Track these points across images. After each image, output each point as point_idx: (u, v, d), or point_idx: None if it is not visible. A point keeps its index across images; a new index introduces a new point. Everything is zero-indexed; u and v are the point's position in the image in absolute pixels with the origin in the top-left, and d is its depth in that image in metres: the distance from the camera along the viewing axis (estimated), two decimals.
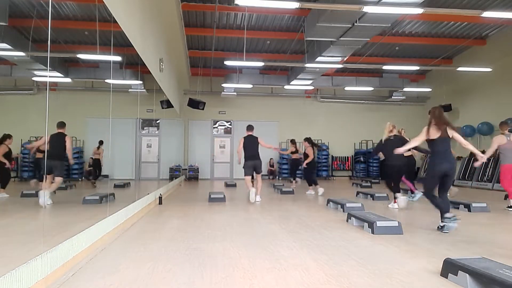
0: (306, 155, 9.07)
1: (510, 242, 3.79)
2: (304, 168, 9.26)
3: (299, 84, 13.58)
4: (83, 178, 12.07)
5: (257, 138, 7.38)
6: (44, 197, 5.87)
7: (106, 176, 11.20)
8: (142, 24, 5.56)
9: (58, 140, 6.53)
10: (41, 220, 4.97)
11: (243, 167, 7.29)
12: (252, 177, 7.53)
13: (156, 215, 5.47)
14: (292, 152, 10.89)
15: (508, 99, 11.35)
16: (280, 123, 15.75)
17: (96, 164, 10.90)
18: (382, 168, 6.60)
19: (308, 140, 9.16)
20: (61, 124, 6.73)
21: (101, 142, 10.86)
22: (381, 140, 6.63)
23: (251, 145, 7.28)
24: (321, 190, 8.51)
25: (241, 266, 2.81)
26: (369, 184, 11.26)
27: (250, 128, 7.63)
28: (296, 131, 15.51)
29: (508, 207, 6.07)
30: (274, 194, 8.80)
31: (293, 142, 11.11)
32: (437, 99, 14.68)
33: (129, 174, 14.12)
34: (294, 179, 11.09)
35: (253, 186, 7.15)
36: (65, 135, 6.65)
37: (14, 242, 3.62)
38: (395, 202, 6.34)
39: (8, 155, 8.01)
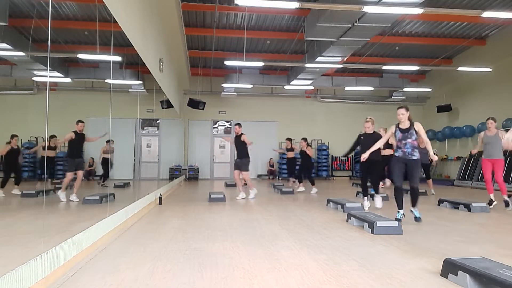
0: (305, 154, 9.31)
1: (510, 242, 3.79)
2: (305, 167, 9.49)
3: (299, 84, 13.59)
4: (83, 178, 12.07)
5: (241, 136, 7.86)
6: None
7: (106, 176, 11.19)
8: (142, 24, 5.56)
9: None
10: (41, 220, 4.97)
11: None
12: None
13: (156, 215, 5.47)
14: (288, 150, 10.92)
15: (508, 99, 11.36)
16: (280, 123, 15.76)
17: (106, 163, 10.96)
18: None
19: (305, 140, 9.53)
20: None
21: (108, 141, 10.94)
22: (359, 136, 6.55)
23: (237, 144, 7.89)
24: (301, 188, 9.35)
25: (241, 266, 2.81)
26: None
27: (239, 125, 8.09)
28: (296, 131, 15.51)
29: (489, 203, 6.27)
30: (274, 194, 8.80)
31: (289, 139, 11.18)
32: (437, 99, 14.69)
33: (129, 174, 14.13)
34: (292, 177, 11.11)
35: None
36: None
37: (14, 242, 3.62)
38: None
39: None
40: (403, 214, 4.82)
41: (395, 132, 4.91)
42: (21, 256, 3.01)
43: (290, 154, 10.90)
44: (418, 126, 4.81)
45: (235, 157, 7.92)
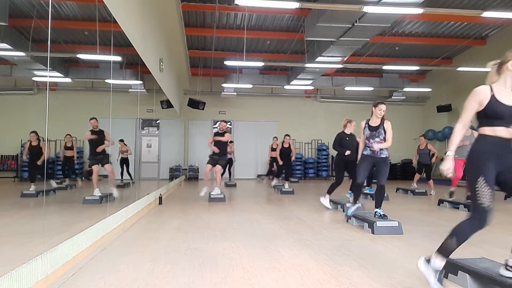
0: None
1: (510, 242, 3.78)
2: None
3: (299, 84, 13.58)
4: (83, 178, 12.09)
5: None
6: None
7: (106, 176, 11.19)
8: (142, 24, 5.56)
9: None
10: (41, 220, 4.97)
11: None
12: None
13: (156, 215, 5.47)
14: (273, 149, 10.85)
15: None
16: (280, 123, 15.75)
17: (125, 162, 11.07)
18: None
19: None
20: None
21: (122, 140, 11.14)
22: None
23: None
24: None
25: (241, 266, 2.81)
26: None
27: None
28: (296, 131, 15.51)
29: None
30: (274, 194, 8.80)
31: (275, 138, 11.22)
32: (437, 99, 14.69)
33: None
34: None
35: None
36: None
37: (14, 242, 3.62)
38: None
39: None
40: (360, 206, 4.82)
41: (364, 129, 4.63)
42: (21, 256, 3.01)
43: (273, 154, 10.65)
44: (387, 125, 4.54)
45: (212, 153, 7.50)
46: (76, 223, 4.66)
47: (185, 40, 9.98)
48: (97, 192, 6.81)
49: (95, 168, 7.10)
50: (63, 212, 5.81)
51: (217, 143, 7.37)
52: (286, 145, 9.31)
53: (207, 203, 6.96)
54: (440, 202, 6.68)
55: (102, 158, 7.14)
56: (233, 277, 2.57)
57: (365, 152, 4.63)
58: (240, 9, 9.20)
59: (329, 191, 6.37)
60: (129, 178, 11.45)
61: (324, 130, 15.93)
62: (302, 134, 15.74)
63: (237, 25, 10.73)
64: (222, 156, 7.45)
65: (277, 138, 11.20)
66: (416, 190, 8.74)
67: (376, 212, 4.51)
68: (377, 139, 4.51)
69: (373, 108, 4.60)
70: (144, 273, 2.65)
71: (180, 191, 9.77)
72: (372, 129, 4.55)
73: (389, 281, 2.50)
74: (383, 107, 4.55)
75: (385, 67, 12.20)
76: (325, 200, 6.33)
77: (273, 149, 10.79)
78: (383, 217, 4.44)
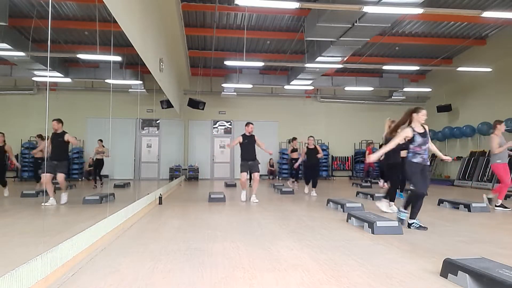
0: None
1: (510, 242, 3.79)
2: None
3: (299, 84, 13.59)
4: (83, 178, 12.09)
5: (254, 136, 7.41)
6: None
7: (106, 176, 11.20)
8: (142, 24, 5.57)
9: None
10: (41, 220, 4.97)
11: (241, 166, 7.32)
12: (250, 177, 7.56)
13: (156, 215, 5.47)
14: (292, 151, 10.86)
15: (508, 99, 11.36)
16: (280, 123, 15.76)
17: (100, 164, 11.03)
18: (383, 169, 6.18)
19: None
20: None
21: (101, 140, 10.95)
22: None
23: (249, 145, 7.32)
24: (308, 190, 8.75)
25: (241, 266, 2.81)
26: (369, 184, 11.28)
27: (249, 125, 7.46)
28: (296, 131, 15.48)
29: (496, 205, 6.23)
30: (274, 194, 8.80)
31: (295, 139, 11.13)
32: (437, 99, 14.69)
33: (129, 174, 14.14)
34: (295, 179, 11.06)
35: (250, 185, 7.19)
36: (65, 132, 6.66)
37: (14, 242, 3.62)
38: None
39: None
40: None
41: (413, 137, 4.43)
42: (21, 256, 3.01)
43: (295, 155, 10.63)
44: (427, 129, 4.54)
45: (243, 158, 7.28)
46: (76, 223, 4.67)
47: (185, 40, 9.98)
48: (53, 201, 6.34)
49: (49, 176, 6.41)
50: (63, 212, 5.81)
51: (245, 147, 7.22)
52: (311, 147, 8.61)
53: (207, 203, 6.96)
54: (440, 202, 6.68)
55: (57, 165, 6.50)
56: (233, 277, 2.57)
57: (416, 160, 4.43)
58: (240, 9, 9.21)
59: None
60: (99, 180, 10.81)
61: (324, 130, 15.95)
62: (302, 134, 15.68)
63: (237, 25, 10.73)
64: (254, 160, 7.22)
65: (296, 139, 11.12)
66: None
67: (414, 223, 4.39)
68: (428, 145, 4.48)
69: (415, 114, 4.48)
70: (144, 273, 2.65)
71: (180, 191, 9.77)
72: (423, 135, 4.44)
73: (389, 281, 2.50)
74: (425, 112, 4.49)
75: (385, 67, 12.20)
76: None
77: (293, 150, 10.71)
78: (423, 228, 4.32)
